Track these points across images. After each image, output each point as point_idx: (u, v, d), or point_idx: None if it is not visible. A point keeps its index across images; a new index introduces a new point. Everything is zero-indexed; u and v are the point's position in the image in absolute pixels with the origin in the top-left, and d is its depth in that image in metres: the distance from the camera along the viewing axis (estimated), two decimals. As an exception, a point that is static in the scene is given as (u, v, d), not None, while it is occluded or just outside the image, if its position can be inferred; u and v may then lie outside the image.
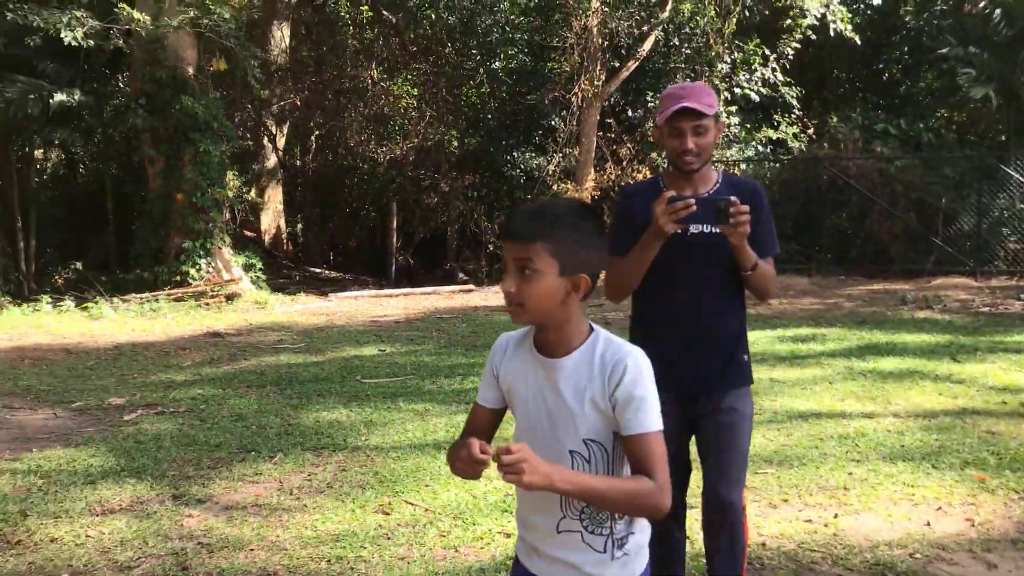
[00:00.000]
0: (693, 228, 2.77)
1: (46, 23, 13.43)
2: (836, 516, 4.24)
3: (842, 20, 18.82)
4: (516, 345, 2.05)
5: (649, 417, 1.86)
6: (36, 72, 15.71)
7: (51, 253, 19.32)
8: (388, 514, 4.34)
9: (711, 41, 18.21)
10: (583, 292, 1.90)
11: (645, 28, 17.86)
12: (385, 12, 21.45)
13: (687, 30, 18.67)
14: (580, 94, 17.48)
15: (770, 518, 4.24)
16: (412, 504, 4.46)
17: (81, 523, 4.24)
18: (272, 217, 22.45)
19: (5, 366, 8.81)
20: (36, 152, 20.13)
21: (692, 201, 2.63)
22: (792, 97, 19.89)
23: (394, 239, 21.86)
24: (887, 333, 9.74)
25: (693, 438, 3.04)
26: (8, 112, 14.96)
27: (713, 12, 18.06)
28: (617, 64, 18.30)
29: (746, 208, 2.64)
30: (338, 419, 6.34)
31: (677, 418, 2.89)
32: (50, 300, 13.98)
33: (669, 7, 17.62)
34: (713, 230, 2.75)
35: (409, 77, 21.97)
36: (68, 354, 9.62)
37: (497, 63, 20.17)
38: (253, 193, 22.58)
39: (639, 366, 1.89)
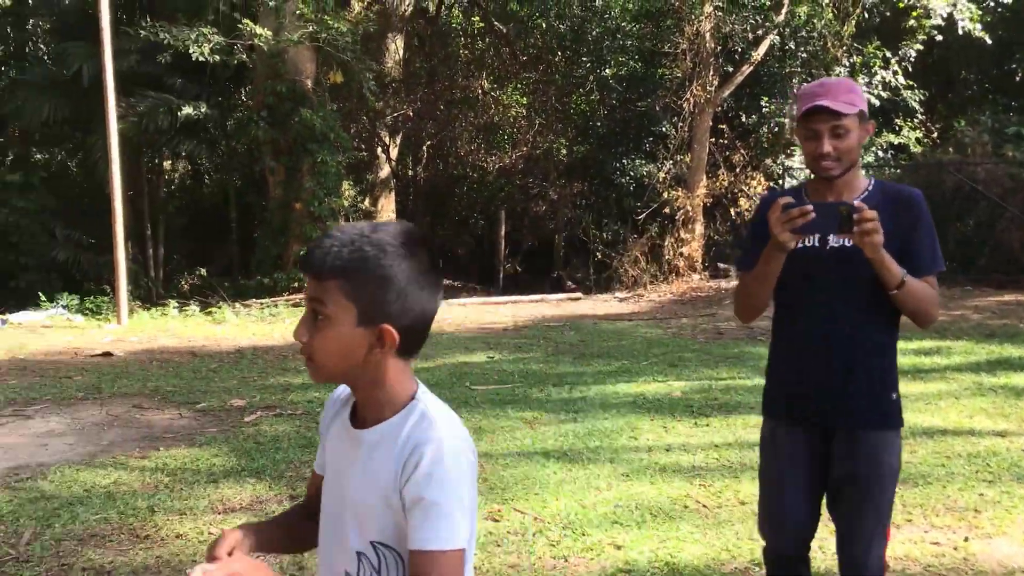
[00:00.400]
0: (833, 240, 2.50)
1: (176, 40, 14.12)
2: (966, 539, 4.03)
3: (971, 19, 17.95)
4: (343, 405, 1.64)
5: (439, 530, 1.39)
6: (165, 87, 16.50)
7: (178, 260, 20.22)
8: (498, 521, 4.35)
9: (828, 44, 17.70)
10: (392, 347, 1.46)
11: (760, 32, 17.50)
12: (496, 23, 21.66)
13: (803, 33, 18.20)
14: (692, 100, 17.24)
15: (894, 539, 4.05)
16: (521, 512, 4.46)
17: (204, 520, 4.40)
18: (385, 225, 22.89)
19: (135, 367, 9.25)
20: (165, 163, 21.14)
21: (809, 208, 2.33)
22: (915, 101, 19.13)
23: (502, 247, 22.02)
24: (1020, 347, 9.23)
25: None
26: (140, 125, 15.76)
27: (831, 14, 17.56)
28: (730, 69, 17.97)
29: (872, 215, 2.30)
30: (448, 425, 6.40)
31: (810, 450, 2.63)
32: (176, 304, 14.64)
33: (785, 10, 17.21)
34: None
35: (519, 86, 22.13)
36: (193, 356, 10.04)
37: (607, 70, 20.11)
38: (367, 202, 23.11)
39: (441, 457, 1.42)
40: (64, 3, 19.06)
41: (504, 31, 21.66)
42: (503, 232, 22.02)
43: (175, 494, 4.84)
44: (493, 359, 9.57)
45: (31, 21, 21.36)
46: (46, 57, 20.73)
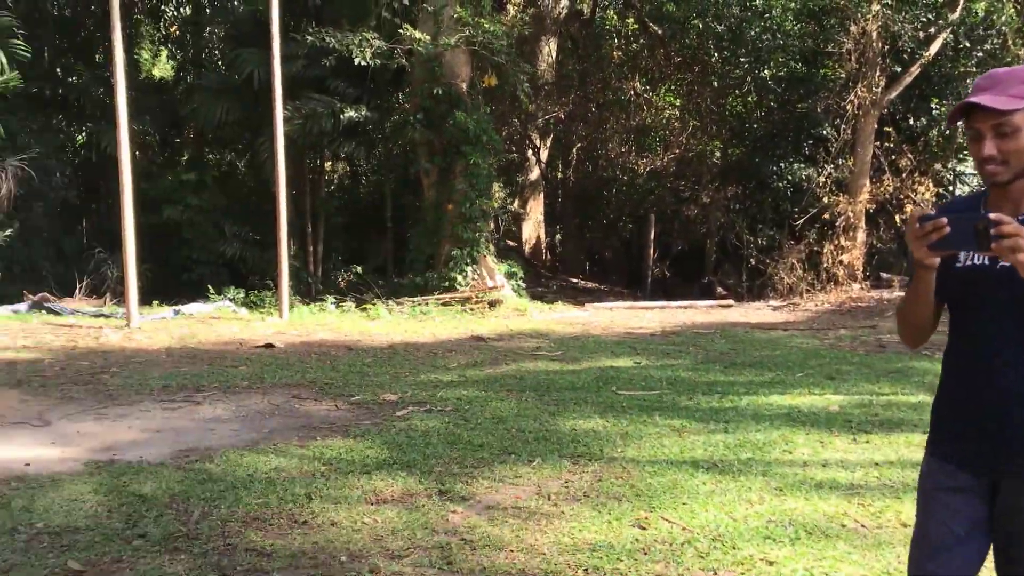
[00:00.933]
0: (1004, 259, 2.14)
1: (340, 44, 14.72)
2: None
3: None
4: None
5: None
6: (328, 90, 17.19)
7: (335, 257, 21.01)
8: (645, 529, 4.28)
9: (1009, 42, 16.58)
10: None
11: (932, 30, 16.59)
12: (651, 24, 21.46)
13: (980, 31, 17.13)
14: (856, 101, 16.53)
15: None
16: (669, 521, 4.38)
17: (358, 510, 4.53)
18: (533, 227, 23.11)
19: (295, 359, 9.66)
20: (326, 164, 22.03)
21: (943, 221, 2.02)
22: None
23: (651, 251, 21.78)
24: None
25: None
26: (305, 127, 16.49)
27: (1012, 10, 16.44)
28: (898, 69, 17.13)
29: (1013, 229, 1.97)
30: (594, 428, 6.37)
31: (974, 500, 2.29)
32: (334, 300, 15.23)
33: (960, 7, 16.24)
34: None
35: (672, 88, 21.85)
36: (348, 351, 10.40)
37: (766, 71, 19.57)
38: (516, 204, 23.38)
39: None
40: (238, 11, 20.18)
41: (659, 32, 21.43)
42: (652, 235, 21.78)
43: (330, 483, 5.01)
44: (640, 364, 9.47)
45: (208, 29, 22.76)
46: (220, 63, 22.03)
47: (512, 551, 4.00)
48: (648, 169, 21.53)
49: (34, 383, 8.01)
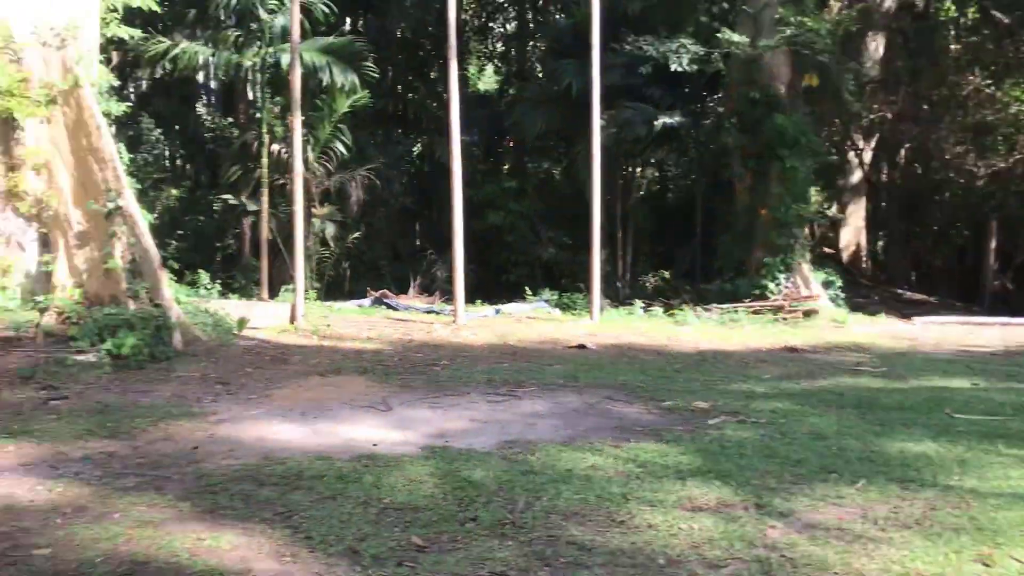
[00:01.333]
0: None
1: (658, 52, 14.87)
2: None
3: None
4: None
5: None
6: (643, 98, 17.40)
7: (643, 262, 21.24)
8: (988, 566, 3.92)
9: None
10: None
11: None
12: (995, 13, 19.47)
13: None
14: None
15: None
16: (1019, 561, 3.97)
17: (673, 515, 4.56)
18: (852, 233, 21.88)
19: (606, 361, 9.90)
20: (636, 170, 22.33)
21: None
22: None
23: (991, 261, 19.78)
24: None
25: None
26: (620, 135, 16.83)
27: None
28: None
29: None
30: (925, 453, 5.92)
31: None
32: (642, 304, 15.39)
33: None
34: None
35: (1020, 81, 19.67)
36: (658, 355, 10.48)
37: None
38: (834, 208, 22.25)
39: None
40: (559, 24, 21.02)
41: (1005, 21, 19.39)
42: (993, 245, 19.77)
43: (645, 485, 5.08)
44: (978, 386, 8.65)
45: (530, 43, 23.94)
46: (540, 74, 23.07)
47: (836, 573, 3.84)
48: (989, 171, 19.57)
49: (377, 371, 8.90)
